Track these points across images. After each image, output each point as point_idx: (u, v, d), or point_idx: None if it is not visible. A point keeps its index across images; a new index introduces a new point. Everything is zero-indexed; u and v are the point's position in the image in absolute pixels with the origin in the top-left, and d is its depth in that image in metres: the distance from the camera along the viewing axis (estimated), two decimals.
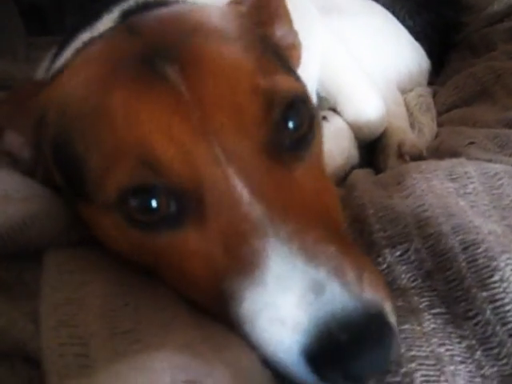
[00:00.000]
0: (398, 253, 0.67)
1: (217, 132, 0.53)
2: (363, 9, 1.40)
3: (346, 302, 0.47)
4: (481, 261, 0.61)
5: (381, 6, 1.54)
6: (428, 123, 1.20)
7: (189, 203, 0.54)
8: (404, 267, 0.66)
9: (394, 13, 1.54)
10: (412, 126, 1.21)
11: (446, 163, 0.81)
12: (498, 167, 0.78)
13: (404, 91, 1.35)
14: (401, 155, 1.10)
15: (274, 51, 0.67)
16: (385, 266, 0.67)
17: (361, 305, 0.47)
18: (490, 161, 0.88)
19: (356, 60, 1.18)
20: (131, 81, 0.58)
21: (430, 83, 1.51)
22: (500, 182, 0.75)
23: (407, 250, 0.67)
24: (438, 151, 1.05)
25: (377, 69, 1.26)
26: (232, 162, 0.53)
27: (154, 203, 0.54)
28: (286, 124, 0.57)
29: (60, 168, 0.67)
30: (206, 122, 0.54)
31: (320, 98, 1.16)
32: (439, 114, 1.27)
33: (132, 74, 0.58)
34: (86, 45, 0.75)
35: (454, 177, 0.77)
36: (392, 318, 0.50)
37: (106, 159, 0.56)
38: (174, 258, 0.57)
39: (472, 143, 0.99)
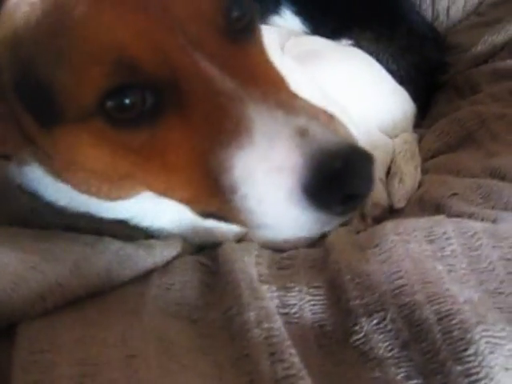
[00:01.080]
0: (375, 321, 0.66)
1: (181, 23, 0.57)
2: (345, 56, 1.40)
3: (330, 138, 0.52)
4: (455, 333, 0.60)
5: (364, 49, 1.55)
6: (410, 172, 1.19)
7: (166, 94, 0.57)
8: (381, 336, 0.66)
9: (377, 56, 1.55)
10: (394, 174, 1.20)
11: (425, 222, 0.81)
12: (477, 226, 0.78)
13: (389, 138, 1.34)
14: (363, 217, 1.08)
15: None
16: (362, 334, 0.67)
17: (342, 138, 0.53)
18: (472, 214, 0.88)
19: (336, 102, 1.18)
20: None
21: (417, 125, 1.51)
22: (479, 243, 0.75)
23: (384, 319, 0.67)
24: (421, 201, 1.04)
25: (358, 117, 1.25)
26: (199, 48, 0.56)
27: (132, 99, 0.57)
28: (232, 12, 0.61)
29: (28, 105, 0.66)
30: (169, 16, 0.57)
31: None
32: (424, 160, 1.27)
33: None
34: None
35: (433, 238, 0.77)
36: None
37: (76, 71, 0.57)
38: (157, 153, 0.60)
39: (455, 194, 0.98)
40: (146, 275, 0.80)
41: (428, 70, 1.63)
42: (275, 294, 0.75)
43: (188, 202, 0.64)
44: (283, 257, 0.85)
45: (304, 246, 0.92)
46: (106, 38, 0.56)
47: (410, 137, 1.35)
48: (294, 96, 0.57)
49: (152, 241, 0.89)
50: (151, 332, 0.67)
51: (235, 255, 0.81)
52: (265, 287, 0.75)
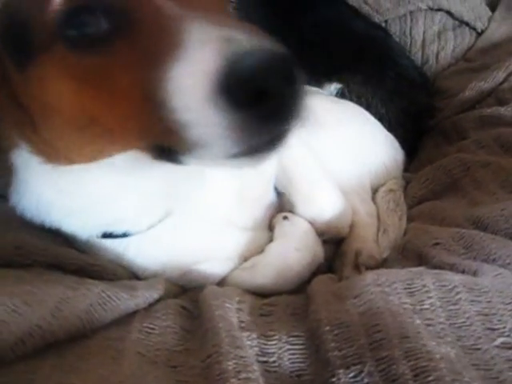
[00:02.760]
0: (352, 374, 0.67)
1: None
2: (341, 117, 1.40)
3: (252, 44, 0.56)
4: None
5: (354, 93, 1.57)
6: (394, 223, 1.21)
7: (118, 20, 0.62)
8: None
9: (366, 100, 1.57)
10: (379, 226, 1.22)
11: (405, 274, 0.81)
12: (456, 279, 0.79)
13: (378, 186, 1.36)
14: (357, 265, 1.11)
15: None
16: None
17: (263, 45, 0.56)
18: (453, 265, 0.89)
19: (317, 163, 1.19)
20: None
21: (404, 169, 1.52)
22: (458, 297, 0.76)
23: (361, 372, 0.67)
24: (405, 250, 1.05)
25: (352, 176, 1.28)
26: None
27: (88, 23, 0.62)
28: None
29: (6, 47, 0.72)
30: None
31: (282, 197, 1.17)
32: (410, 207, 1.28)
33: None
34: None
35: (412, 290, 0.77)
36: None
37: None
38: (110, 79, 0.63)
39: (437, 244, 0.99)
40: (128, 318, 0.80)
41: (416, 114, 1.66)
42: (255, 341, 0.75)
43: (139, 136, 0.67)
44: (265, 303, 0.86)
45: (286, 293, 0.93)
46: None
47: (395, 185, 1.37)
48: (226, 16, 0.65)
49: (134, 282, 0.90)
50: (130, 378, 0.67)
51: (217, 301, 0.81)
52: (245, 334, 0.76)
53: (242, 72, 0.54)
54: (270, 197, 1.17)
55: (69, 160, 0.77)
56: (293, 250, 1.02)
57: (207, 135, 0.58)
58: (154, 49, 0.60)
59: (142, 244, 0.94)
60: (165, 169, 0.73)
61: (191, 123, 0.58)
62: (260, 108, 0.57)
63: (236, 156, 0.61)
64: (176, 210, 0.92)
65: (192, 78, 0.57)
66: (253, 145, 0.60)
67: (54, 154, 0.77)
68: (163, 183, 0.86)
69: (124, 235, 0.91)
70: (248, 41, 0.56)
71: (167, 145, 0.65)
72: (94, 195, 0.85)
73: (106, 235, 0.91)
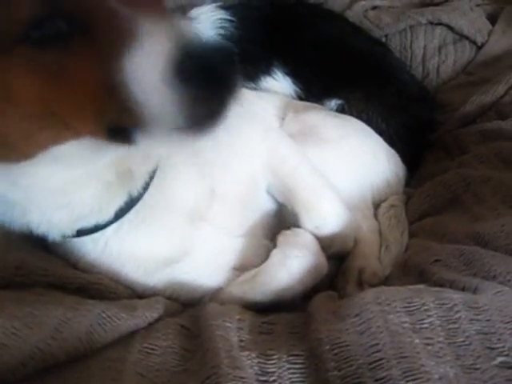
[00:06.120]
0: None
1: None
2: (343, 132, 1.41)
3: (195, 33, 0.65)
4: None
5: (354, 109, 1.57)
6: (396, 239, 1.21)
7: (77, 23, 0.68)
8: None
9: (367, 116, 1.57)
10: (380, 242, 1.22)
11: (405, 292, 0.81)
12: (456, 297, 0.79)
13: (380, 201, 1.36)
14: (360, 283, 1.11)
15: None
16: None
17: (211, 39, 0.66)
18: (453, 282, 0.89)
19: (316, 171, 1.20)
20: None
21: (406, 184, 1.52)
22: (457, 316, 0.76)
23: None
24: (406, 267, 1.05)
25: (354, 192, 1.28)
26: None
27: (51, 24, 0.67)
28: None
29: None
30: None
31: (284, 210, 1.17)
32: (411, 222, 1.28)
33: None
34: None
35: (412, 309, 0.77)
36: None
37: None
38: (69, 73, 0.69)
39: (438, 261, 0.99)
40: (128, 338, 0.81)
41: (417, 128, 1.65)
42: (255, 361, 0.75)
43: (95, 119, 0.72)
44: (264, 321, 0.86)
45: (286, 310, 0.93)
46: None
47: (397, 200, 1.36)
48: (168, 13, 0.74)
49: (134, 301, 0.90)
50: None
51: (217, 320, 0.82)
52: (245, 354, 0.76)
53: (187, 53, 0.63)
54: (264, 203, 1.17)
55: (21, 153, 0.78)
56: (294, 256, 1.02)
57: (162, 109, 0.66)
58: (111, 43, 0.67)
59: (119, 240, 0.96)
60: (116, 153, 0.82)
61: (148, 101, 0.66)
62: (203, 83, 0.65)
63: (184, 129, 0.69)
64: (145, 202, 0.96)
65: (148, 62, 0.65)
66: (198, 116, 0.68)
67: (4, 150, 0.78)
68: (116, 167, 0.89)
69: (96, 228, 0.93)
70: (189, 31, 0.66)
71: (122, 124, 0.71)
72: (49, 189, 0.85)
73: (80, 233, 0.92)
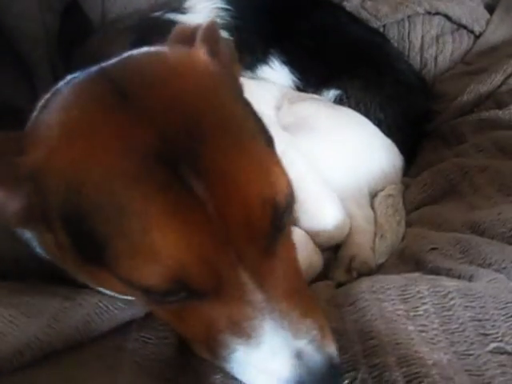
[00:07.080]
0: (346, 381, 0.68)
1: (234, 242, 0.61)
2: (337, 122, 1.41)
3: (318, 361, 0.62)
4: None
5: (352, 99, 1.57)
6: (392, 228, 1.21)
7: (204, 294, 0.63)
8: None
9: (365, 105, 1.57)
10: (376, 231, 1.23)
11: (400, 280, 0.82)
12: (450, 285, 0.79)
13: (377, 191, 1.36)
14: (349, 270, 1.11)
15: (253, 113, 0.73)
16: None
17: (326, 358, 0.63)
18: (449, 270, 0.89)
19: (312, 170, 1.20)
20: (161, 189, 0.59)
21: (403, 173, 1.52)
22: (451, 303, 0.76)
23: (355, 379, 0.68)
24: (402, 255, 1.06)
25: (349, 181, 1.28)
26: (242, 262, 0.61)
27: (173, 296, 0.64)
28: (283, 220, 0.66)
29: (70, 234, 0.66)
30: (227, 235, 0.60)
31: None
32: (409, 211, 1.29)
33: (160, 180, 0.59)
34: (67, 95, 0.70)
35: (407, 297, 0.78)
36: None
37: (134, 254, 0.60)
38: (180, 318, 0.69)
39: (434, 249, 1.00)
40: (125, 327, 0.81)
41: (415, 118, 1.65)
42: None
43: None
44: None
45: None
46: (168, 246, 0.59)
47: (394, 190, 1.36)
48: (305, 313, 0.64)
49: None
50: None
51: None
52: None
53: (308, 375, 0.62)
54: None
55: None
56: None
57: None
58: (228, 319, 0.64)
59: None
60: None
61: None
62: None
63: None
64: None
65: (259, 373, 0.64)
66: None
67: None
68: None
69: None
70: (314, 356, 0.62)
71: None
72: None
73: None
